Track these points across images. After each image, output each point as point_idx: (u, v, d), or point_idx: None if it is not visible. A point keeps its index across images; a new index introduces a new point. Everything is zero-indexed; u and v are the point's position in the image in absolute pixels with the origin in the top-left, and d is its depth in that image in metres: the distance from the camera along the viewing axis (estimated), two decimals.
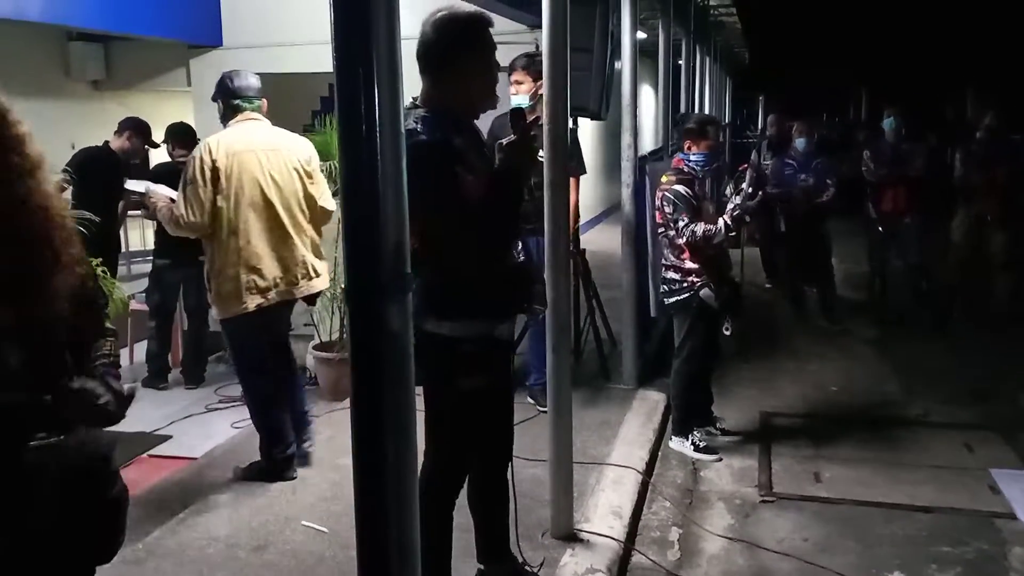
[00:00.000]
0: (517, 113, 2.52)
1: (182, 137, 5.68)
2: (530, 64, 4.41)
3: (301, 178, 3.83)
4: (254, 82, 3.85)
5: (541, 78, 3.79)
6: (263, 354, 3.87)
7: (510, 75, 4.49)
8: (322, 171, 5.05)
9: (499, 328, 2.64)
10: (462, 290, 2.51)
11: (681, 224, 4.27)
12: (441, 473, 2.71)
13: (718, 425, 4.86)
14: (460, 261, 2.48)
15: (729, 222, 4.25)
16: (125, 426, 5.16)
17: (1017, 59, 19.39)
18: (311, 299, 4.06)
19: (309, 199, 3.88)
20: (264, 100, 3.88)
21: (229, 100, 3.81)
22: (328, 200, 3.99)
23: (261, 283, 3.69)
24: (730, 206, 4.32)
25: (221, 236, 3.64)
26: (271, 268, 3.71)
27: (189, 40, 9.27)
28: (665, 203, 4.36)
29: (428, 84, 2.52)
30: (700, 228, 4.24)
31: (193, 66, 9.58)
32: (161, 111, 9.92)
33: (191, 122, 9.68)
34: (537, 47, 4.21)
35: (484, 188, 2.44)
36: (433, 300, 2.48)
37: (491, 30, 2.56)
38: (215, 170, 3.60)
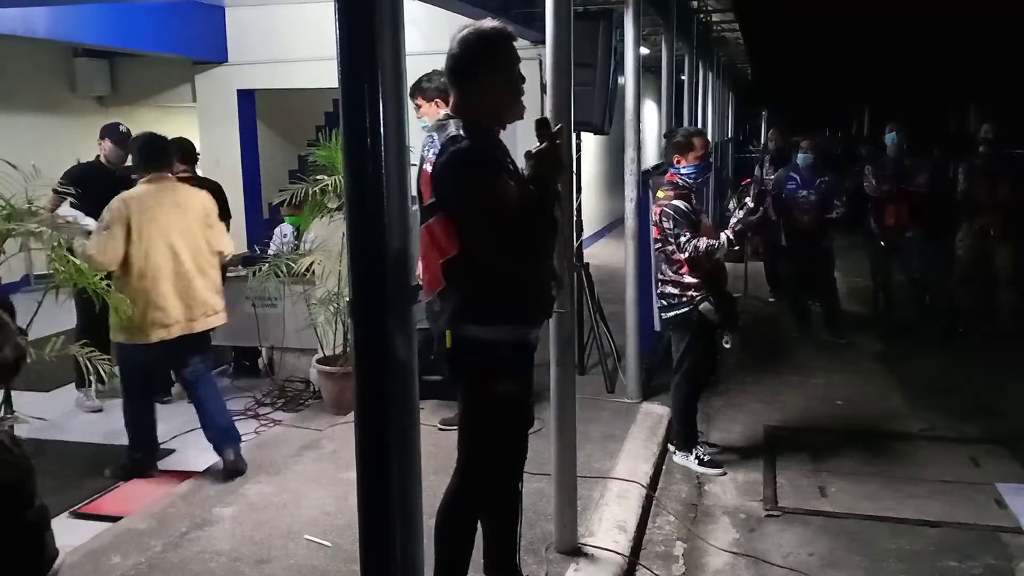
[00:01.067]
0: (543, 122, 2.58)
1: (182, 153, 5.73)
2: (417, 88, 4.31)
3: (203, 229, 4.38)
4: (163, 144, 4.45)
5: (437, 97, 4.15)
6: (148, 376, 4.50)
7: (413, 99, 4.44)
8: (328, 186, 5.11)
9: (533, 333, 2.72)
10: (502, 295, 2.57)
11: (683, 240, 4.27)
12: (476, 483, 2.75)
13: (700, 439, 4.81)
14: (503, 265, 2.55)
15: (731, 236, 4.26)
16: (128, 440, 5.14)
17: (1020, 72, 19.42)
18: (211, 330, 4.57)
19: (210, 246, 4.42)
20: (173, 159, 4.56)
21: (141, 161, 4.38)
22: (224, 243, 4.54)
23: (165, 320, 4.19)
24: (733, 220, 4.32)
25: (131, 277, 4.14)
26: (175, 307, 4.22)
27: (194, 56, 9.33)
28: (664, 218, 4.36)
29: (456, 96, 2.62)
30: (703, 243, 4.24)
31: (198, 82, 9.64)
32: (166, 127, 9.95)
33: (196, 137, 9.75)
34: (446, 68, 4.26)
35: (520, 196, 2.52)
36: (472, 305, 2.55)
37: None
38: (128, 223, 4.10)
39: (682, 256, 4.31)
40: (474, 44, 2.55)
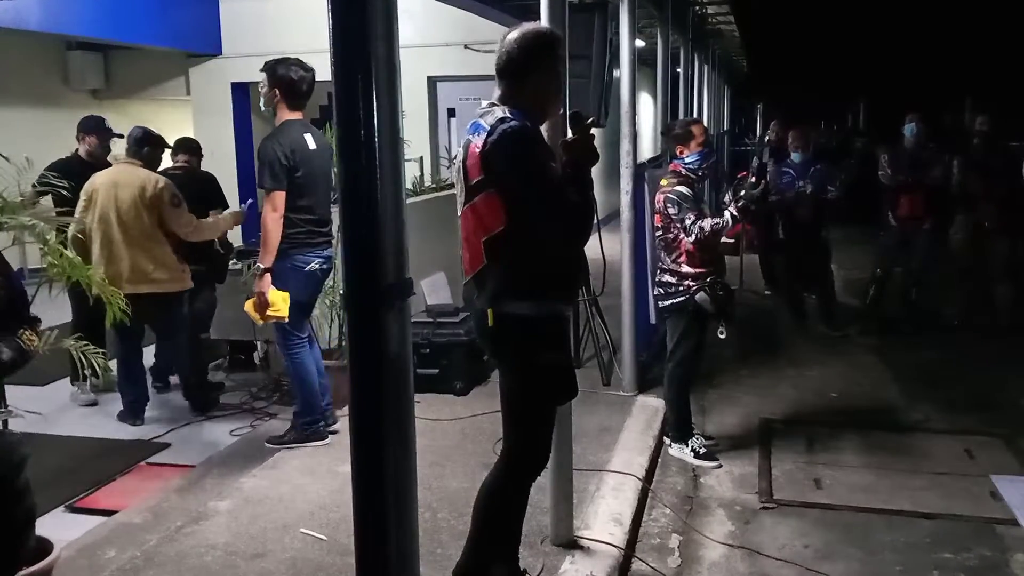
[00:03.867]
0: (576, 115, 2.76)
1: (182, 148, 5.94)
2: (271, 70, 4.41)
3: (139, 206, 4.92)
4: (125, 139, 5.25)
5: (277, 86, 4.35)
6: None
7: None
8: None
9: (568, 308, 2.88)
10: (544, 270, 2.69)
11: (688, 222, 4.28)
12: (525, 459, 2.82)
13: (695, 432, 4.80)
14: (549, 239, 2.65)
15: (735, 212, 4.26)
16: (122, 433, 5.17)
17: (1016, 67, 19.43)
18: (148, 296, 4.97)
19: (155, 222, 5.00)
20: (125, 151, 5.17)
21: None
22: (176, 225, 5.01)
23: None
24: (732, 197, 4.34)
25: (86, 239, 4.91)
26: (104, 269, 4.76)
27: (188, 49, 9.31)
28: (668, 204, 4.38)
29: (505, 89, 2.74)
30: (708, 223, 4.26)
31: (192, 75, 9.62)
32: (161, 119, 9.94)
33: (190, 130, 9.73)
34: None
35: (561, 180, 2.67)
36: (514, 281, 2.65)
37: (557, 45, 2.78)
38: (90, 197, 4.95)
39: (688, 239, 4.32)
40: (530, 43, 2.70)
